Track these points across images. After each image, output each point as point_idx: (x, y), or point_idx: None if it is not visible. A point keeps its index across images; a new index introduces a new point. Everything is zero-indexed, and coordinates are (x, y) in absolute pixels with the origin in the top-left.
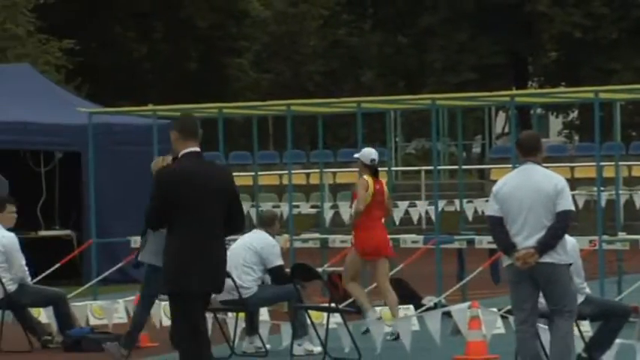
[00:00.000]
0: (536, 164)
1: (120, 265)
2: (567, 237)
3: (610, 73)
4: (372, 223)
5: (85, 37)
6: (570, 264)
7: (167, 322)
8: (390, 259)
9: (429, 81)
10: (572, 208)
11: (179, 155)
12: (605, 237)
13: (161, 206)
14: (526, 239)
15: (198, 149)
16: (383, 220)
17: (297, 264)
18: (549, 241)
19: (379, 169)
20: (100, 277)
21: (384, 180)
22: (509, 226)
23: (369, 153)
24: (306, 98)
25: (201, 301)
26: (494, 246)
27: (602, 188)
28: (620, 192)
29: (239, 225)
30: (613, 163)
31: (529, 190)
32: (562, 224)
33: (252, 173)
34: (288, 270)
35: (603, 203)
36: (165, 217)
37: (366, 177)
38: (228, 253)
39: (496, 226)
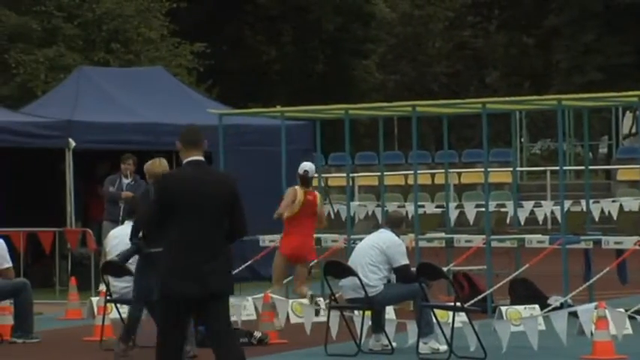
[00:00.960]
0: None
1: (249, 263)
2: None
3: None
4: (300, 229)
5: (215, 41)
6: None
7: (295, 319)
8: (508, 260)
9: (555, 81)
10: None
11: (183, 163)
12: None
13: (159, 210)
14: None
15: (199, 158)
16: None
17: (423, 263)
18: None
19: (505, 169)
20: None
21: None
22: None
23: (302, 165)
24: (431, 99)
25: (186, 307)
26: (621, 246)
27: None
28: None
29: (239, 232)
30: None
31: None
32: None
33: (378, 173)
34: (413, 269)
35: None
36: (163, 221)
37: (296, 187)
38: (355, 252)
39: None
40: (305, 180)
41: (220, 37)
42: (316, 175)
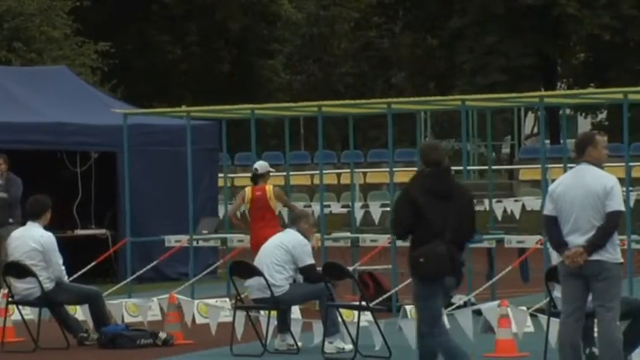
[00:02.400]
0: (591, 165)
1: (154, 263)
2: None
3: (639, 74)
4: (256, 225)
5: (120, 40)
6: (621, 263)
7: (201, 320)
8: None
9: (459, 82)
10: (621, 208)
11: None
12: (634, 237)
13: None
14: (577, 238)
15: None
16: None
17: (329, 263)
18: (598, 241)
19: (410, 169)
20: (134, 276)
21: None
22: (562, 226)
23: (254, 164)
24: (337, 100)
25: None
26: (523, 245)
27: (630, 188)
28: None
29: None
30: None
31: (580, 190)
32: (610, 225)
33: (284, 173)
34: (319, 269)
35: (632, 203)
36: None
37: (247, 188)
38: (260, 251)
39: (550, 225)
40: (253, 177)
41: (125, 36)
42: (273, 170)
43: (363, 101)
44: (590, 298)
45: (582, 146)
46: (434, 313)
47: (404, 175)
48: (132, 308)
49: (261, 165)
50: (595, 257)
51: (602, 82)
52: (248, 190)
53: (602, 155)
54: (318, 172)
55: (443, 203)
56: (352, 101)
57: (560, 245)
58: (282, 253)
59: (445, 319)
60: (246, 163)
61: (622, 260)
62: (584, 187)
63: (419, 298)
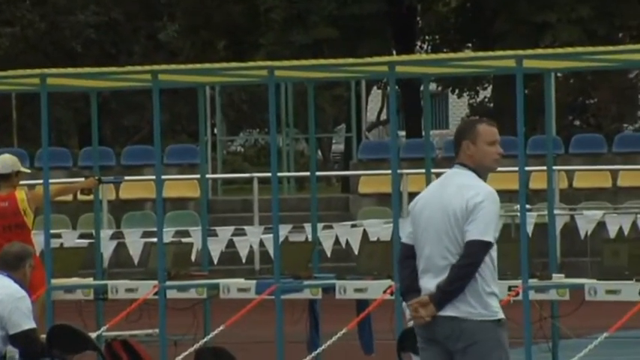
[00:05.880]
0: (467, 170)
1: None
2: None
3: (540, 30)
4: None
5: None
6: (499, 320)
7: None
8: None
9: (264, 40)
10: (486, 238)
11: None
12: (532, 281)
13: None
14: (429, 282)
15: None
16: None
17: (58, 326)
18: (450, 287)
19: (189, 176)
20: None
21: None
22: (417, 261)
23: None
24: (72, 66)
25: None
26: (363, 295)
27: (528, 206)
28: (557, 212)
29: None
30: (545, 168)
31: (436, 209)
32: (469, 261)
33: None
34: (43, 336)
35: (530, 229)
36: None
37: None
38: None
39: (402, 259)
40: None
41: None
42: (27, 170)
43: (114, 69)
44: None
45: (457, 140)
46: None
47: (178, 186)
48: None
49: (3, 162)
50: (447, 312)
51: (485, 41)
52: None
53: (486, 155)
54: (42, 180)
55: None
56: (96, 69)
57: (408, 291)
58: None
59: None
60: None
61: (500, 316)
62: (442, 204)
63: None
